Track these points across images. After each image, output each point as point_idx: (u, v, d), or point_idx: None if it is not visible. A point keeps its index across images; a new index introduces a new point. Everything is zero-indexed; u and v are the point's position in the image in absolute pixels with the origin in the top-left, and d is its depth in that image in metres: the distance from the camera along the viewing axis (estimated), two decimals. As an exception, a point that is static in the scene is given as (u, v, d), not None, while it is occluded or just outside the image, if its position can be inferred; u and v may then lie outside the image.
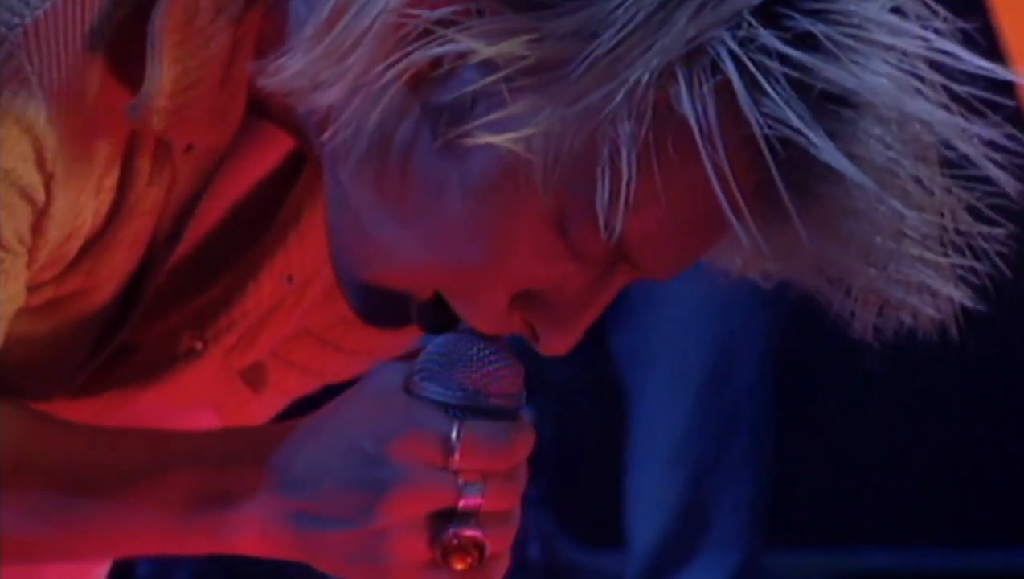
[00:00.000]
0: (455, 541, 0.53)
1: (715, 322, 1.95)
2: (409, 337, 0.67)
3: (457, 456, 0.53)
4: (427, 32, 0.49)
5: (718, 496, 1.95)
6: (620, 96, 0.47)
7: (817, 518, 2.41)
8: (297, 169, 0.60)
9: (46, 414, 0.59)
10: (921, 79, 0.48)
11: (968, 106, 0.49)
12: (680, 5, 0.46)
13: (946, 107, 0.48)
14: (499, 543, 0.54)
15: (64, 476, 0.57)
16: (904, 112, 0.48)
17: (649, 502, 1.97)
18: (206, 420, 0.68)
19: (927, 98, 0.48)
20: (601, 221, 0.48)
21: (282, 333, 0.64)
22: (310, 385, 0.70)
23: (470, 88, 0.49)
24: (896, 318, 0.53)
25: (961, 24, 0.50)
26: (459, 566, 0.53)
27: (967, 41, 0.50)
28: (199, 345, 0.62)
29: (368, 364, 0.70)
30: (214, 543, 0.57)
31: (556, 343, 0.55)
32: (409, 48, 0.49)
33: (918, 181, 0.49)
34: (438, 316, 0.55)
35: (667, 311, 1.94)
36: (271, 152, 0.60)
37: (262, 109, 0.57)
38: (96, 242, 0.55)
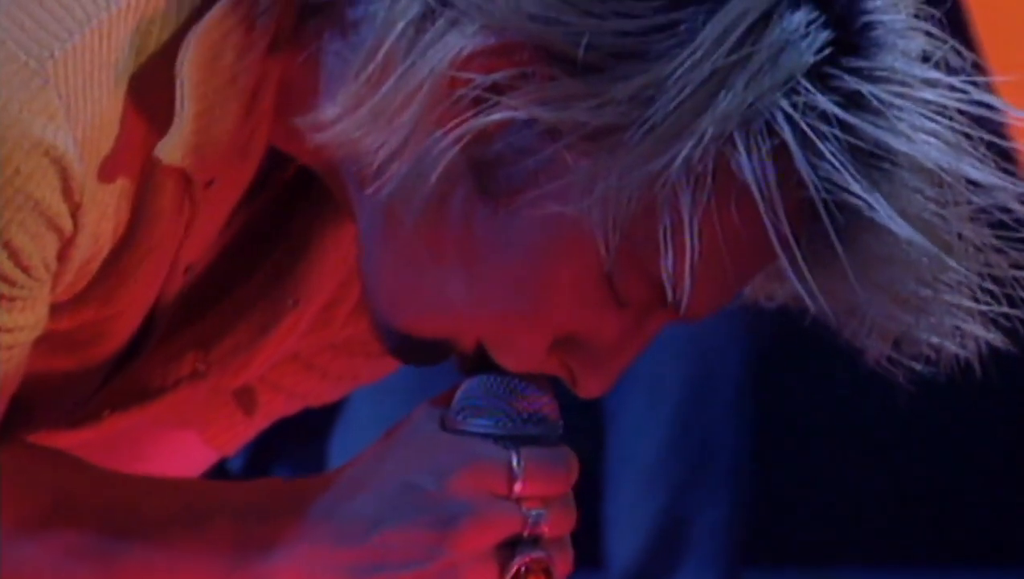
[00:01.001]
0: (525, 567, 0.54)
1: (692, 343, 1.96)
2: (391, 364, 0.69)
3: (520, 484, 0.54)
4: (482, 97, 0.50)
5: (696, 517, 1.96)
6: (679, 161, 0.48)
7: (795, 538, 2.43)
8: (301, 190, 0.61)
9: (79, 458, 0.59)
10: (963, 135, 0.50)
11: (1009, 157, 0.50)
12: (736, 70, 0.48)
13: (986, 161, 0.51)
14: (563, 567, 0.55)
15: (102, 519, 0.57)
16: (951, 171, 0.50)
17: (627, 523, 1.97)
18: (190, 441, 0.69)
19: (970, 156, 0.50)
20: (668, 287, 0.50)
21: (275, 356, 0.65)
22: (293, 408, 0.71)
23: (530, 156, 0.51)
24: (915, 354, 0.54)
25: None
26: None
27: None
28: (203, 367, 0.62)
29: (349, 388, 0.74)
30: None
31: (593, 385, 0.56)
32: (465, 114, 0.50)
33: (961, 235, 0.51)
34: (480, 362, 0.56)
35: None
36: (276, 177, 0.61)
37: (279, 145, 0.57)
38: (112, 269, 0.55)
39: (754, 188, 0.48)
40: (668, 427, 1.96)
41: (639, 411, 1.97)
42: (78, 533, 0.56)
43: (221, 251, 0.61)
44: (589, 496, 1.98)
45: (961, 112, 0.50)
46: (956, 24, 0.54)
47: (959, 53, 0.52)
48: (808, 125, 0.48)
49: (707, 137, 0.47)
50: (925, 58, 0.51)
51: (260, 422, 0.70)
